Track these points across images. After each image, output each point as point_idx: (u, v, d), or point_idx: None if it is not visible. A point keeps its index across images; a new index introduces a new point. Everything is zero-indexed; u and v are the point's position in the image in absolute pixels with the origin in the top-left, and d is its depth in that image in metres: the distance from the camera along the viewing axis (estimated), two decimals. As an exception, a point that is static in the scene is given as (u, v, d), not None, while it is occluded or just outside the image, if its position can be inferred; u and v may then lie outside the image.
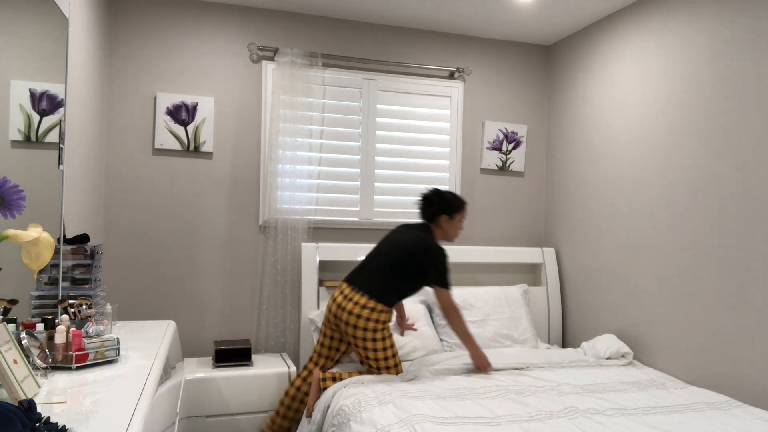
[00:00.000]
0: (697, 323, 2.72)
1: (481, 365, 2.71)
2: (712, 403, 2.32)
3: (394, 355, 2.65)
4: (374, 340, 2.60)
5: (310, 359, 2.81)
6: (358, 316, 2.59)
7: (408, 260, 2.67)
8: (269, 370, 2.98)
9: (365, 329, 2.58)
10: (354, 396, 2.34)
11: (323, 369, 2.77)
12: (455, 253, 3.58)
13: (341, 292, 2.70)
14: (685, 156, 2.83)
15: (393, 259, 2.69)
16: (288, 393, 2.77)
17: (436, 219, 2.79)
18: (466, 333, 2.70)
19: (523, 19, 3.50)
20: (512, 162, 3.89)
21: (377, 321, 2.59)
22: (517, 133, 3.89)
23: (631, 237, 3.16)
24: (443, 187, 3.02)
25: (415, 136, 3.68)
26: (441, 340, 3.19)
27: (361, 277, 2.71)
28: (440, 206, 2.78)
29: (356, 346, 2.63)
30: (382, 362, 2.61)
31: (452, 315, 2.67)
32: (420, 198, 2.85)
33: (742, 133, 2.54)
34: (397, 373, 2.64)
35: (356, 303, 2.61)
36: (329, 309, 2.72)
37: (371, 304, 2.60)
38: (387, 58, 3.64)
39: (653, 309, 2.99)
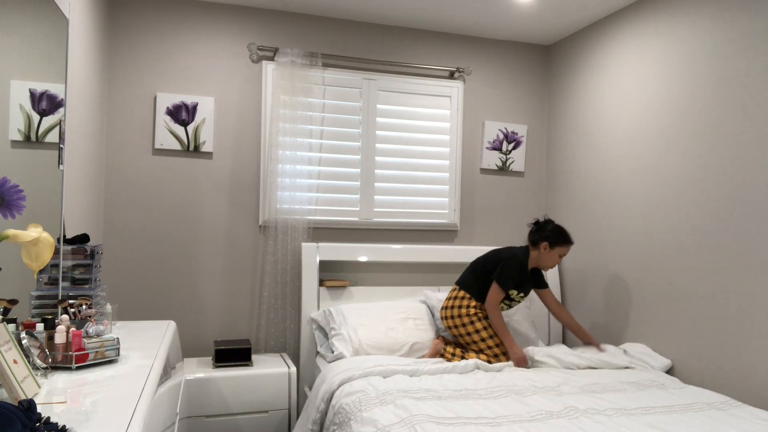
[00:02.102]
0: (697, 323, 2.72)
1: (516, 360, 2.85)
2: (711, 403, 2.32)
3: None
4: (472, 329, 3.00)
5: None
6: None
7: (491, 262, 3.06)
8: (269, 370, 2.98)
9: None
10: (355, 395, 2.34)
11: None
12: (455, 252, 3.58)
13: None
14: (685, 155, 2.83)
15: (482, 262, 3.11)
16: None
17: (538, 244, 3.01)
18: (500, 327, 2.93)
19: (523, 19, 3.50)
20: (512, 162, 3.89)
21: (468, 315, 3.00)
22: (517, 133, 3.89)
23: (631, 237, 3.16)
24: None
25: (415, 136, 3.68)
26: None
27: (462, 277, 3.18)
28: (546, 234, 3.00)
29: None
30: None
31: (491, 310, 2.94)
32: (533, 222, 3.10)
33: (742, 132, 2.54)
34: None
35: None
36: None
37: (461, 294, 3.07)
38: (387, 58, 3.64)
39: (653, 308, 2.99)
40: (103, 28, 3.04)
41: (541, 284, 3.15)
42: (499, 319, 2.94)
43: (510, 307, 3.13)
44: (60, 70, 2.08)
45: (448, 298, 3.10)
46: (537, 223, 3.08)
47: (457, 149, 3.74)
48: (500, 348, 2.95)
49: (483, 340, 2.95)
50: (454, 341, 3.12)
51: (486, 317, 2.99)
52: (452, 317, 3.02)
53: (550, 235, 3.00)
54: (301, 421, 2.68)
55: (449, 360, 2.91)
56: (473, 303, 3.00)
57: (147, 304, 3.23)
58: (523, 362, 2.85)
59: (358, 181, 3.56)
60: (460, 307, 3.01)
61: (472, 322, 2.96)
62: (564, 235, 3.01)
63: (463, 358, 2.93)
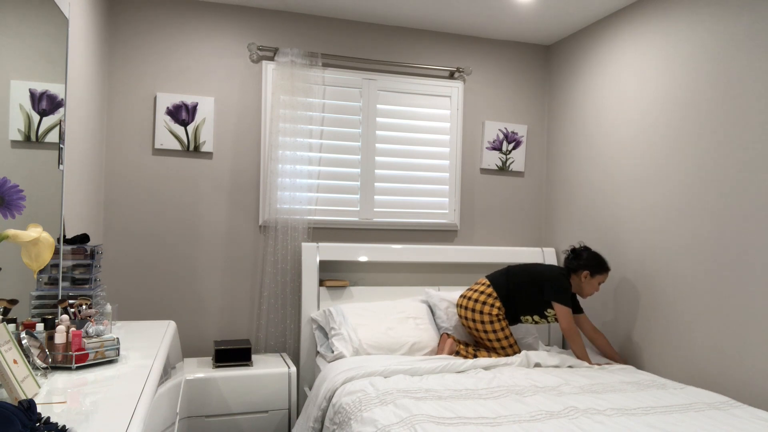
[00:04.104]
0: (698, 323, 2.72)
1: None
2: (711, 403, 2.32)
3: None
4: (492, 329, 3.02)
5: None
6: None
7: (535, 279, 3.05)
8: (269, 370, 2.98)
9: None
10: (355, 395, 2.34)
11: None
12: (455, 252, 3.58)
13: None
14: (685, 155, 2.83)
15: (524, 276, 3.08)
16: None
17: (579, 272, 3.00)
18: (581, 351, 2.95)
19: (523, 19, 3.50)
20: (512, 162, 3.89)
21: (489, 313, 3.01)
22: (517, 133, 3.89)
23: (631, 237, 3.16)
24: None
25: (415, 136, 3.68)
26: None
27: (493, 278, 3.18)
28: (587, 262, 2.99)
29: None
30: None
31: (572, 336, 2.94)
32: (570, 249, 3.09)
33: (742, 132, 2.54)
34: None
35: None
36: None
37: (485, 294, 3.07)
38: (387, 58, 3.64)
39: (654, 308, 2.99)
40: (103, 28, 3.04)
41: (576, 309, 3.11)
42: (580, 342, 2.93)
43: (537, 323, 3.11)
44: (60, 70, 2.08)
45: (474, 290, 3.08)
46: (574, 251, 3.06)
47: (457, 149, 3.74)
48: (512, 349, 2.99)
49: (498, 340, 2.97)
50: (464, 337, 3.13)
51: (505, 318, 2.99)
52: (472, 310, 3.01)
53: (590, 263, 2.98)
54: (301, 420, 2.68)
55: (464, 358, 2.92)
56: (498, 304, 2.99)
57: (147, 304, 3.23)
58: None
59: (358, 181, 3.56)
60: (484, 303, 3.00)
61: (491, 322, 2.97)
62: (603, 263, 3.01)
63: (475, 356, 2.94)
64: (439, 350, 3.03)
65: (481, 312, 2.99)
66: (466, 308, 3.05)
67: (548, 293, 2.97)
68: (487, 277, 3.14)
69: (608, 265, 3.03)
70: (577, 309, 3.11)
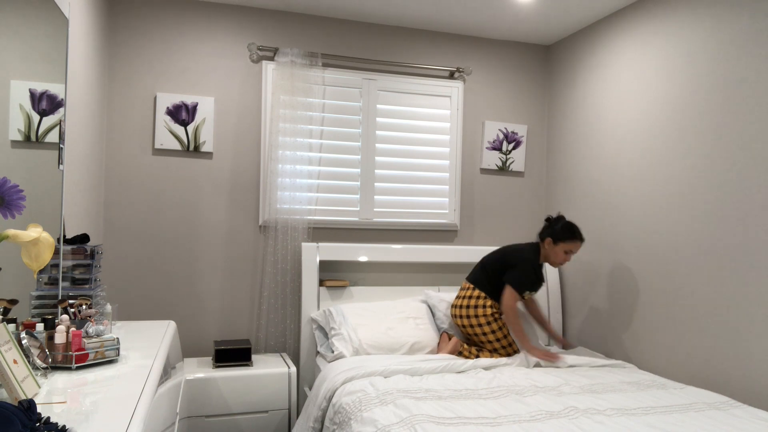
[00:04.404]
0: (697, 323, 2.72)
1: (543, 358, 2.86)
2: (711, 403, 2.32)
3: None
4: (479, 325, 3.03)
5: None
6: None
7: (504, 260, 3.07)
8: (269, 370, 2.98)
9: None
10: (355, 395, 2.34)
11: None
12: (455, 252, 3.58)
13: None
14: (685, 155, 2.83)
15: (494, 258, 3.12)
16: None
17: (544, 239, 3.02)
18: (519, 332, 2.92)
19: (523, 19, 3.50)
20: (512, 162, 3.89)
21: (476, 315, 3.02)
22: (517, 133, 3.89)
23: (631, 236, 3.16)
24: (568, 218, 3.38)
25: (415, 136, 3.68)
26: (441, 340, 3.21)
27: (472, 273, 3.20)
28: (550, 229, 3.00)
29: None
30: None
31: (509, 313, 2.93)
32: (546, 218, 3.12)
33: (742, 132, 2.54)
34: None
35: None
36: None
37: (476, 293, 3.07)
38: (387, 58, 3.64)
39: (653, 308, 2.99)
40: (103, 28, 3.04)
41: (537, 283, 3.13)
42: (518, 324, 2.93)
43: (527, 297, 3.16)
44: (60, 70, 2.08)
45: (461, 297, 3.09)
46: (548, 219, 3.08)
47: (457, 149, 3.74)
48: (513, 347, 2.99)
49: (498, 340, 2.98)
50: (462, 337, 3.14)
51: (500, 317, 3.01)
52: (467, 316, 3.02)
53: (554, 230, 2.99)
54: (301, 420, 2.68)
55: (466, 358, 2.92)
56: (489, 302, 3.01)
57: (147, 304, 3.23)
58: (550, 357, 2.86)
59: (358, 181, 3.56)
60: (476, 306, 3.01)
61: (489, 323, 2.98)
62: (569, 230, 2.98)
63: (477, 356, 2.95)
64: (439, 349, 3.03)
65: (476, 316, 3.00)
66: (461, 317, 3.05)
67: (508, 277, 2.98)
68: (468, 280, 3.15)
69: (578, 234, 2.98)
70: (538, 282, 3.07)
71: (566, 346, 3.40)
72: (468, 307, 3.03)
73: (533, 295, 3.16)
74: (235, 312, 3.38)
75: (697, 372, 2.71)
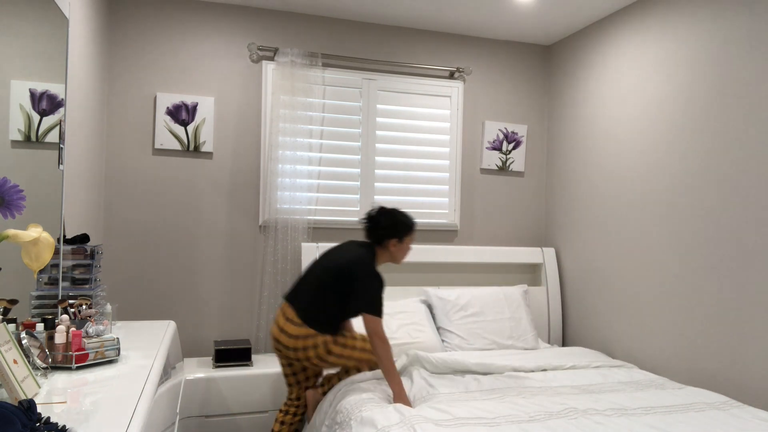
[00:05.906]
0: (697, 323, 2.72)
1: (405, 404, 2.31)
2: (711, 403, 2.32)
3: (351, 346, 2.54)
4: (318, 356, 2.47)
5: (290, 387, 2.64)
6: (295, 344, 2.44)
7: (340, 281, 2.46)
8: (269, 370, 2.98)
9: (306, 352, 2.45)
10: (355, 395, 2.34)
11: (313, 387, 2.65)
12: (455, 252, 3.58)
13: (283, 313, 2.50)
14: (685, 155, 2.83)
15: (326, 278, 2.48)
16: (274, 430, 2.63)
17: (385, 242, 2.56)
18: (390, 367, 2.37)
19: (523, 19, 3.50)
20: (512, 162, 3.89)
21: (315, 346, 2.44)
22: (517, 133, 3.89)
23: (631, 237, 3.16)
24: (389, 205, 2.83)
25: (415, 136, 3.68)
26: (442, 341, 3.20)
27: (296, 294, 2.53)
28: (390, 229, 2.54)
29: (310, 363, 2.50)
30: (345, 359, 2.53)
31: (378, 344, 2.38)
32: (366, 218, 2.61)
33: (743, 132, 2.54)
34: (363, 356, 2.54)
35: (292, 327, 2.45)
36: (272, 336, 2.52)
37: (304, 331, 2.43)
38: (387, 58, 3.64)
39: (653, 308, 2.99)
40: (103, 28, 3.04)
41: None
42: (389, 356, 2.37)
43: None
44: (60, 70, 2.08)
45: (295, 336, 2.43)
46: (370, 218, 2.60)
47: (457, 149, 3.75)
48: (367, 342, 2.55)
49: (362, 348, 2.56)
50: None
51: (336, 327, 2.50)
52: (303, 348, 2.44)
53: (395, 229, 2.54)
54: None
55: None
56: (321, 339, 2.45)
57: (147, 304, 3.23)
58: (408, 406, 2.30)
59: (358, 181, 3.57)
60: (306, 336, 2.43)
61: (334, 342, 2.47)
62: (407, 220, 2.58)
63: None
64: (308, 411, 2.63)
65: (315, 346, 2.44)
66: (296, 349, 2.44)
67: (356, 304, 2.43)
68: (295, 309, 2.48)
69: (412, 220, 2.60)
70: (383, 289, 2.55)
71: None
72: (298, 337, 2.43)
73: None
74: (235, 312, 3.38)
75: (696, 372, 2.71)
